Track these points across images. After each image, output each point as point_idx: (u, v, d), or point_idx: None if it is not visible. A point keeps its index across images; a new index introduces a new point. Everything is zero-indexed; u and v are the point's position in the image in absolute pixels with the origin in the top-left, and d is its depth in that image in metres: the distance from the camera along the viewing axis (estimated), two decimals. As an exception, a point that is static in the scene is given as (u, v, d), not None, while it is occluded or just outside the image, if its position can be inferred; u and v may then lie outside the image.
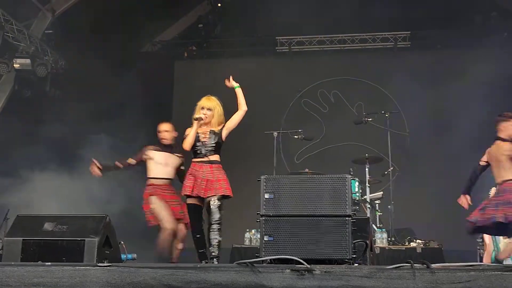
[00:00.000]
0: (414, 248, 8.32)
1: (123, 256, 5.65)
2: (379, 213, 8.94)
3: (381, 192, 9.01)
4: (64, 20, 11.24)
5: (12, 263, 4.38)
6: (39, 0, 10.96)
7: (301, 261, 3.78)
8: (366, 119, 9.76)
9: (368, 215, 8.51)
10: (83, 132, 9.78)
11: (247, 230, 9.15)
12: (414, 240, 8.59)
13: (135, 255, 6.38)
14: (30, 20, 11.16)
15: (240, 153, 11.58)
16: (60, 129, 9.73)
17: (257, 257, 4.13)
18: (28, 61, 10.69)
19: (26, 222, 5.04)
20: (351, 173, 4.75)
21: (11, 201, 8.37)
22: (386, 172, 9.33)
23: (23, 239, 4.74)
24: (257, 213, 4.53)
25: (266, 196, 4.43)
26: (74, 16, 11.09)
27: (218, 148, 5.94)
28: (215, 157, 5.92)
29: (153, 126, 6.90)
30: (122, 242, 5.46)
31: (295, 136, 9.70)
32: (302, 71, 12.80)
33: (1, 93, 11.35)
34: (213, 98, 6.10)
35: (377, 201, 8.94)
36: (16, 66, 10.67)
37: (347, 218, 4.35)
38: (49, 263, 4.11)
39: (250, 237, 9.06)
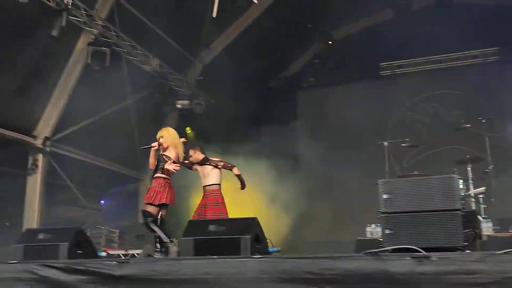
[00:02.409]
0: (518, 235, 7.67)
1: (270, 249, 5.75)
2: (483, 206, 8.36)
3: (484, 188, 8.44)
4: (210, 69, 11.84)
5: (187, 257, 4.64)
6: (192, 54, 11.63)
7: (420, 249, 3.65)
8: (464, 125, 9.26)
9: (474, 208, 8.02)
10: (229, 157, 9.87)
11: (368, 224, 8.95)
12: (517, 228, 7.93)
13: (279, 248, 6.46)
14: (186, 70, 11.87)
15: (358, 161, 11.43)
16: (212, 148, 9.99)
17: (381, 247, 4.03)
18: (187, 102, 11.34)
19: (196, 225, 5.32)
20: (456, 173, 4.51)
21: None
22: (486, 170, 8.77)
23: (194, 239, 4.97)
24: (378, 211, 4.42)
25: (385, 196, 4.31)
26: (217, 65, 11.60)
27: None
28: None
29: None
30: (270, 239, 5.55)
31: (403, 144, 9.40)
32: (404, 89, 12.48)
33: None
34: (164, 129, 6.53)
35: (480, 196, 8.38)
36: (178, 106, 11.37)
37: (457, 212, 4.12)
38: (215, 257, 4.26)
39: (371, 231, 8.84)
